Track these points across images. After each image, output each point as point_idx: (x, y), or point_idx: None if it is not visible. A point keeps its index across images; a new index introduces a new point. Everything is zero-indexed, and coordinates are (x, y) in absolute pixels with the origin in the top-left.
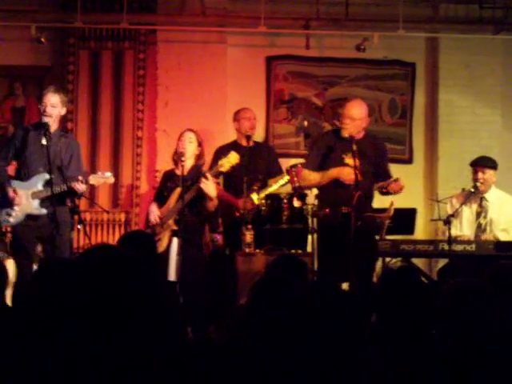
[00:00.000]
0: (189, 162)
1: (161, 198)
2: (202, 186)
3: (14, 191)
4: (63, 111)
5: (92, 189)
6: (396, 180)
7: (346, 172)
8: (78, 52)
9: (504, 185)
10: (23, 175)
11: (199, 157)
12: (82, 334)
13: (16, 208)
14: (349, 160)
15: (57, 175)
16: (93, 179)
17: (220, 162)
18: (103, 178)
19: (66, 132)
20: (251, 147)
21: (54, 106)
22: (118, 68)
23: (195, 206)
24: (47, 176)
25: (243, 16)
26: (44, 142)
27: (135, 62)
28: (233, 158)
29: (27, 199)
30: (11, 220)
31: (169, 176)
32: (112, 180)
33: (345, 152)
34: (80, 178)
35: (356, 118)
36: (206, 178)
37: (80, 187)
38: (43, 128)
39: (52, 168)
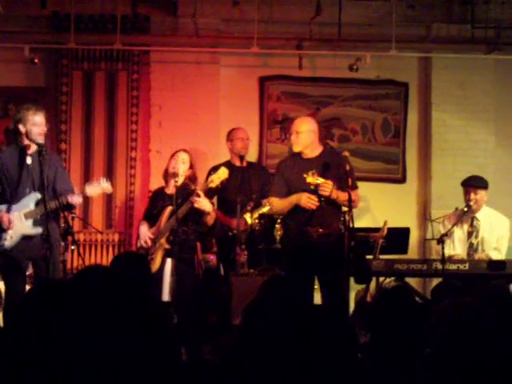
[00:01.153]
0: (179, 181)
1: (151, 217)
2: (196, 204)
3: (6, 215)
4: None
5: (86, 209)
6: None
7: (304, 198)
8: (72, 73)
9: (497, 203)
10: (10, 198)
11: (191, 178)
12: (75, 355)
13: (9, 231)
14: (310, 179)
15: (48, 193)
16: (89, 190)
17: (210, 178)
18: (100, 187)
19: (43, 149)
20: (245, 167)
21: (44, 124)
22: (111, 88)
23: (187, 225)
24: (39, 195)
25: (236, 37)
26: (29, 161)
27: (128, 83)
28: (222, 174)
29: (20, 220)
30: (6, 244)
31: (159, 195)
32: (110, 189)
33: (305, 172)
34: (75, 190)
35: (300, 131)
36: (198, 195)
37: (75, 200)
38: (40, 149)
39: (43, 186)
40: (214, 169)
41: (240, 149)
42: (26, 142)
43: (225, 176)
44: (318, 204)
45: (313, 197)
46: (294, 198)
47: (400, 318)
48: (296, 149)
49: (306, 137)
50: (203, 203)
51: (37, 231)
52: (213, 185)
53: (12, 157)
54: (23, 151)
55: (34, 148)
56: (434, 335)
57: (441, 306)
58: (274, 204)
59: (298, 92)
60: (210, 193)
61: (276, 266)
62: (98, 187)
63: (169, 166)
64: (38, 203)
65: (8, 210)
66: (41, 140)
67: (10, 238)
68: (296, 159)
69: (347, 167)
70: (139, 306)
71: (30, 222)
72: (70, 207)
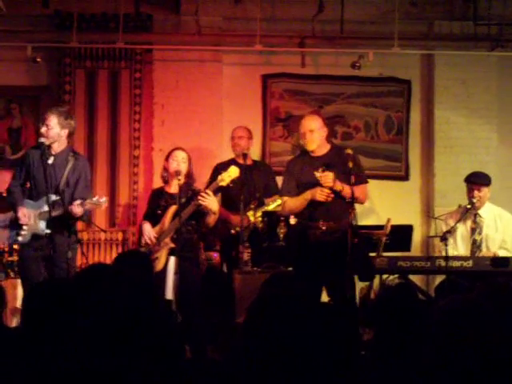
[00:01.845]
0: (182, 180)
1: (152, 216)
2: (205, 202)
3: (23, 211)
4: (63, 133)
5: None
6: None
7: (319, 192)
8: (74, 71)
9: (500, 200)
10: (33, 196)
11: (189, 175)
12: (78, 354)
13: (24, 227)
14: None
15: (67, 197)
16: (88, 204)
17: (220, 177)
18: (97, 203)
19: (75, 153)
20: (249, 165)
21: (49, 127)
22: (114, 87)
23: (191, 224)
24: (54, 197)
25: (239, 35)
26: (50, 161)
27: (131, 81)
28: (233, 172)
29: (34, 219)
30: (19, 239)
31: (159, 194)
32: (104, 205)
33: (315, 169)
34: (78, 201)
35: (314, 128)
36: (207, 193)
37: (77, 210)
38: (43, 148)
39: (51, 189)
40: (220, 166)
41: (233, 146)
42: (40, 141)
43: (236, 175)
44: (332, 196)
45: (325, 190)
46: (308, 194)
47: (402, 315)
48: (311, 147)
49: (318, 135)
50: (211, 202)
51: (48, 232)
52: (223, 183)
53: (38, 156)
54: (48, 150)
55: (57, 149)
56: (436, 332)
57: (442, 304)
58: (288, 203)
59: (300, 90)
60: (217, 191)
61: (280, 263)
62: (96, 204)
63: (168, 165)
64: (52, 205)
65: (28, 206)
66: (43, 139)
67: (24, 235)
68: (305, 158)
69: (350, 164)
70: (142, 304)
71: (42, 223)
72: (73, 217)
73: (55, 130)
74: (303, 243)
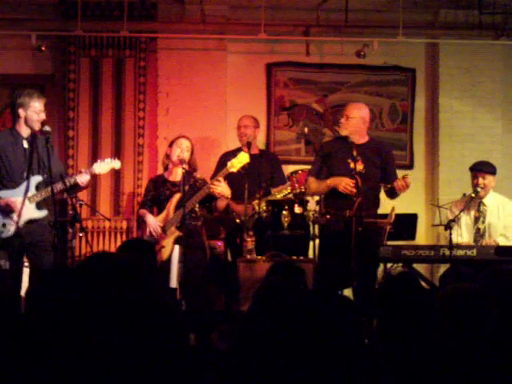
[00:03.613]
0: (181, 168)
1: (152, 204)
2: (216, 190)
3: (9, 200)
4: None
5: (93, 196)
6: (404, 177)
7: (344, 183)
8: (79, 60)
9: (504, 189)
10: (9, 183)
11: (190, 164)
12: (83, 342)
13: (13, 216)
14: (353, 164)
15: (48, 176)
16: (98, 168)
17: (229, 163)
18: (108, 164)
19: (33, 133)
20: (255, 154)
21: (43, 111)
22: (118, 76)
23: (195, 211)
24: (39, 178)
25: (243, 23)
26: (25, 145)
27: (136, 70)
28: (243, 158)
29: (25, 205)
30: (11, 229)
31: (159, 182)
32: (118, 165)
33: (349, 157)
34: (82, 170)
35: (351, 116)
36: (218, 180)
37: (84, 178)
38: (45, 135)
39: (41, 170)
40: (227, 155)
41: (239, 136)
42: (23, 126)
43: (246, 160)
44: (355, 191)
45: (351, 183)
46: (330, 182)
47: (404, 304)
48: (343, 132)
49: (355, 123)
50: (224, 189)
51: (41, 214)
52: (234, 169)
53: (8, 141)
54: (19, 135)
55: (28, 132)
56: (438, 320)
57: (445, 292)
58: (313, 184)
59: (305, 78)
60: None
61: (283, 252)
62: (107, 165)
63: (172, 153)
64: (38, 187)
65: (5, 195)
66: (37, 127)
67: (15, 224)
68: (341, 144)
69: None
70: (145, 292)
71: (33, 205)
72: (75, 189)
73: (44, 116)
74: (335, 231)
